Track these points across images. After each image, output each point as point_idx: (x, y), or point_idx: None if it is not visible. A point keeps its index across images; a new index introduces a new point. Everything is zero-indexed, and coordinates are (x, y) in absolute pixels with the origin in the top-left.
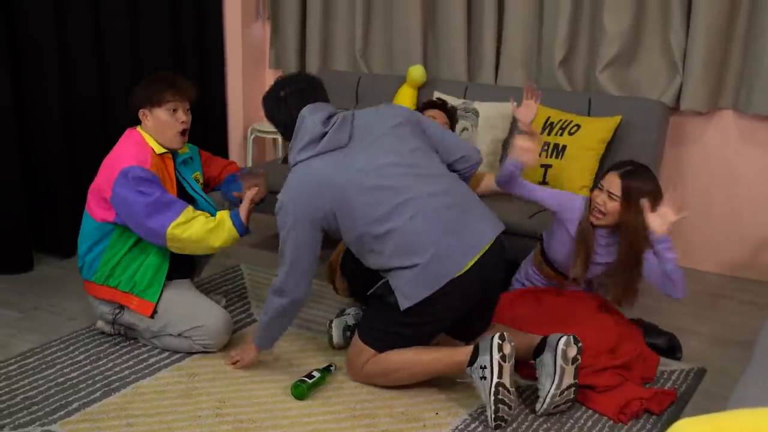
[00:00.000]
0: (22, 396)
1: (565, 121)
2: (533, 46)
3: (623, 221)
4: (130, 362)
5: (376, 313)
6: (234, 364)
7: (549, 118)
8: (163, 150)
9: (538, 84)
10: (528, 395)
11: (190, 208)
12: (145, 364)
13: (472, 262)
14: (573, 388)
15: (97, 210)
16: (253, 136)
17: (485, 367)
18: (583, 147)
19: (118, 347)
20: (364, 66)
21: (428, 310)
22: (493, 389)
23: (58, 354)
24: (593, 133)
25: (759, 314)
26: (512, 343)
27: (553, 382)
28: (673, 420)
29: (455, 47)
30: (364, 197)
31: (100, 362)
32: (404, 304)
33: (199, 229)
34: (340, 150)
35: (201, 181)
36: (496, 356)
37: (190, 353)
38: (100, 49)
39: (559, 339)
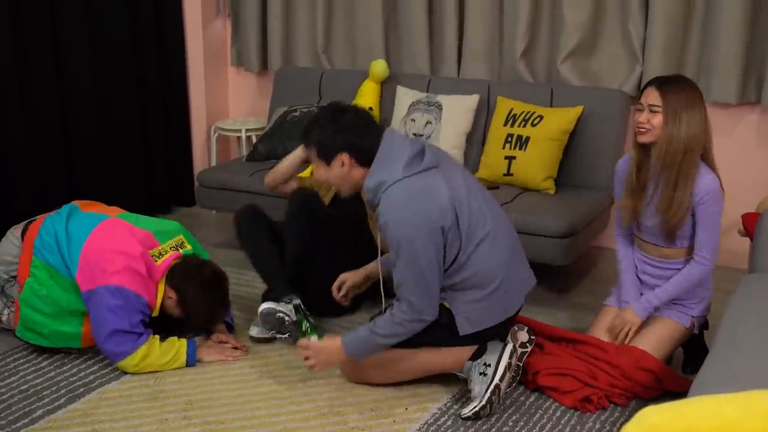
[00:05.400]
0: None
1: (528, 113)
2: (494, 38)
3: (667, 133)
4: (95, 367)
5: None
6: (310, 366)
7: (512, 109)
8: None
9: (500, 76)
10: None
11: (148, 342)
12: (110, 368)
13: (522, 300)
14: (515, 369)
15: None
16: (216, 134)
17: (489, 365)
18: (546, 138)
19: (82, 352)
20: (326, 62)
21: (478, 335)
22: (491, 388)
23: (21, 361)
24: (556, 124)
25: (724, 300)
26: (520, 361)
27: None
28: (639, 408)
29: (417, 41)
30: (471, 215)
31: (65, 368)
32: (466, 329)
33: (153, 361)
34: (437, 169)
35: None
36: (505, 361)
37: None
38: (59, 50)
39: (517, 327)
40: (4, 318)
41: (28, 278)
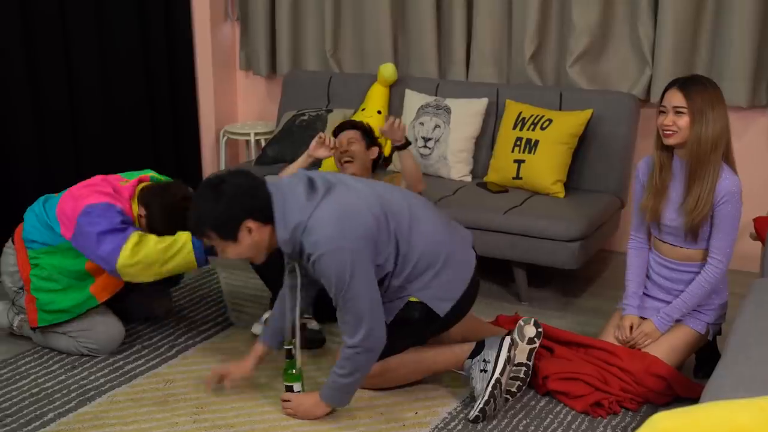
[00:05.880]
0: None
1: (537, 116)
2: (503, 41)
3: (694, 134)
4: (106, 370)
5: (402, 332)
6: (289, 413)
7: (521, 113)
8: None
9: (509, 80)
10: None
11: (138, 232)
12: (120, 372)
13: (474, 252)
14: (524, 368)
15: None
16: (225, 138)
17: (488, 361)
18: (555, 141)
19: (93, 355)
20: (335, 65)
21: (460, 307)
22: (492, 382)
23: (32, 364)
24: (565, 128)
25: (735, 304)
26: (530, 360)
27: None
28: (650, 413)
29: (426, 44)
30: (389, 209)
31: (75, 371)
32: (444, 307)
33: (150, 249)
34: (334, 186)
35: None
36: (504, 355)
37: (93, 354)
38: (69, 55)
39: (522, 320)
40: (15, 324)
41: (31, 270)
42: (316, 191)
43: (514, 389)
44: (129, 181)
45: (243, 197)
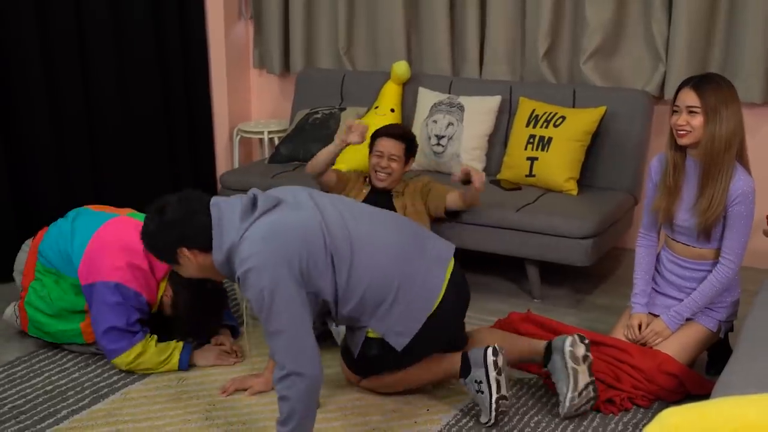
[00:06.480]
0: (9, 405)
1: (550, 114)
2: (517, 39)
3: (708, 133)
4: None
5: (370, 363)
6: None
7: (534, 110)
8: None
9: (522, 77)
10: (527, 390)
11: (145, 341)
12: None
13: (448, 273)
14: (591, 386)
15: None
16: (239, 136)
17: (481, 382)
18: (568, 138)
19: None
20: (348, 63)
21: (427, 338)
22: (494, 405)
23: (46, 362)
24: (578, 125)
25: (747, 301)
26: (503, 352)
27: (568, 386)
28: (662, 410)
29: (439, 42)
30: (331, 233)
31: (89, 369)
32: (403, 341)
33: (147, 359)
34: (278, 206)
35: None
36: (492, 373)
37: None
38: (84, 55)
39: (565, 340)
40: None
41: (33, 281)
42: (254, 211)
43: (585, 406)
44: None
45: (174, 226)
